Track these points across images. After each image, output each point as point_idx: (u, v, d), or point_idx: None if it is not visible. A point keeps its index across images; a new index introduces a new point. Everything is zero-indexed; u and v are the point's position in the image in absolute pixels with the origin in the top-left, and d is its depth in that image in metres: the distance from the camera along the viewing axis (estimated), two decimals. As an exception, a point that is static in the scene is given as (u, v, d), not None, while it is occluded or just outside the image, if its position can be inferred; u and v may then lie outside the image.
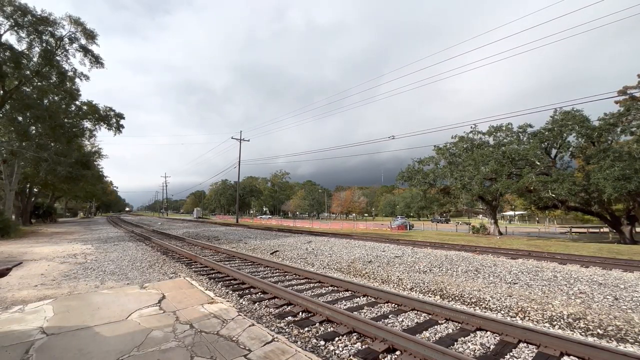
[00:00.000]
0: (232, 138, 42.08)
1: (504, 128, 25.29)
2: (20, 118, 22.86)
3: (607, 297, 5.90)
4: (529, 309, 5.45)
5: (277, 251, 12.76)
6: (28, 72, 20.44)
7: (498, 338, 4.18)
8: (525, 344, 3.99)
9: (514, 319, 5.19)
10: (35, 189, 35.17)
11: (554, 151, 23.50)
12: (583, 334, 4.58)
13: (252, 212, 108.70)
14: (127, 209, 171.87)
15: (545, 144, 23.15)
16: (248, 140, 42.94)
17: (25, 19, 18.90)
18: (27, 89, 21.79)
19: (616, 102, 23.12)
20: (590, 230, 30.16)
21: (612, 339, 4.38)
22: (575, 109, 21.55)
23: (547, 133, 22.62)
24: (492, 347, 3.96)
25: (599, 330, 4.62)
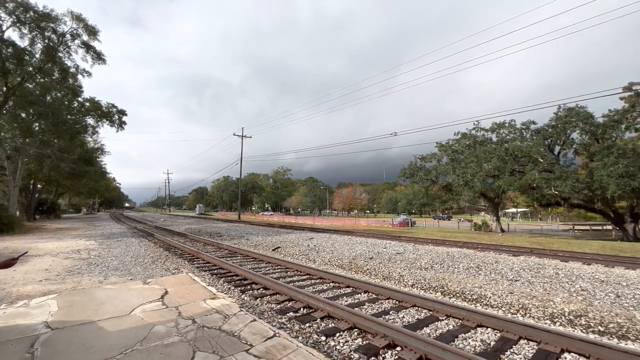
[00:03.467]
0: (234, 135, 42.12)
1: (507, 125, 25.17)
2: (23, 115, 22.96)
3: (609, 294, 5.89)
4: (530, 306, 5.45)
5: (279, 247, 12.81)
6: (31, 68, 20.47)
7: (499, 335, 4.19)
8: (525, 341, 4.00)
9: (515, 315, 5.19)
10: (39, 185, 35.41)
11: (557, 148, 23.35)
12: (584, 331, 4.57)
13: (254, 208, 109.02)
14: (126, 204, 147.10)
15: (549, 141, 23.00)
16: (250, 137, 42.97)
17: (28, 15, 18.90)
18: (30, 86, 21.84)
19: (621, 99, 22.87)
20: (593, 227, 30.02)
21: (614, 336, 4.37)
22: (579, 106, 21.37)
23: (550, 130, 22.46)
24: (492, 343, 3.97)
25: (600, 327, 4.62)
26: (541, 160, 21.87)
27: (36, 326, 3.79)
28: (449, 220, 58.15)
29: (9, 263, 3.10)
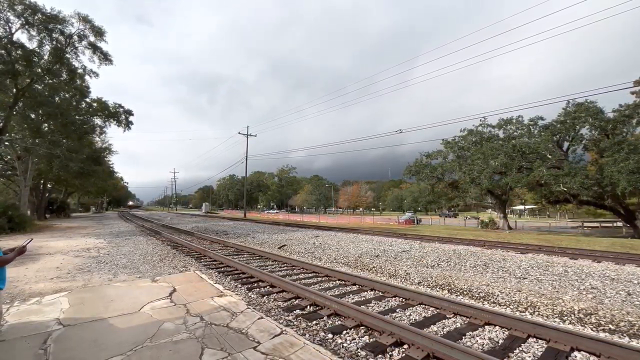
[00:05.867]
0: (239, 133, 42.27)
1: (514, 121, 24.82)
2: (33, 115, 23.35)
3: (620, 292, 5.80)
4: (539, 303, 5.39)
5: (284, 245, 12.86)
6: (39, 70, 20.79)
7: (507, 333, 4.16)
8: (534, 339, 3.96)
9: (524, 313, 5.15)
10: (48, 185, 36.07)
11: (566, 144, 22.95)
12: (594, 329, 4.52)
13: (259, 206, 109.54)
14: (130, 202, 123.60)
15: (557, 136, 22.62)
16: (255, 136, 43.08)
17: (36, 17, 19.15)
18: (39, 87, 22.18)
19: (632, 93, 22.38)
20: (603, 224, 29.46)
21: (625, 334, 4.31)
22: (588, 101, 20.98)
23: (559, 125, 22.07)
24: (500, 341, 3.94)
25: (610, 325, 4.56)
26: (549, 156, 21.52)
27: (49, 323, 3.87)
28: (455, 217, 57.67)
29: (22, 250, 3.25)
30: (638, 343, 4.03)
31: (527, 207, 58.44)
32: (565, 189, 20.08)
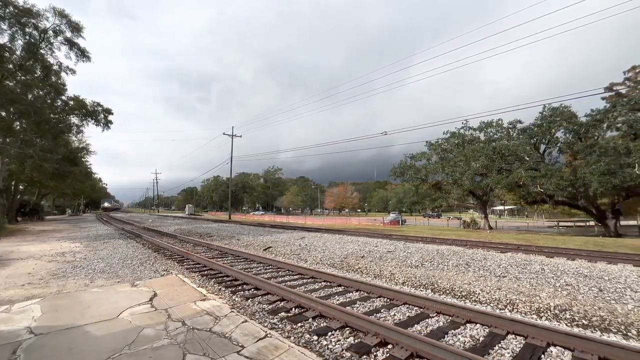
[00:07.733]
0: (224, 134, 41.65)
1: (494, 124, 25.65)
2: (3, 113, 22.15)
3: (592, 288, 6.07)
4: (518, 301, 5.57)
5: (270, 247, 12.74)
6: (11, 65, 19.77)
7: (487, 330, 4.27)
8: (513, 336, 4.09)
9: (503, 311, 5.30)
10: (20, 187, 34.26)
11: (542, 147, 23.93)
12: (569, 324, 4.71)
13: (245, 208, 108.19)
14: (106, 204, 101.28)
15: (534, 139, 23.56)
16: (240, 136, 42.59)
17: (7, 10, 18.22)
18: (10, 84, 21.08)
19: (603, 99, 23.62)
20: (577, 224, 30.83)
21: (597, 329, 4.52)
22: (563, 105, 21.95)
23: (536, 129, 23.00)
24: (481, 339, 4.04)
25: (584, 320, 4.76)
26: (527, 158, 22.38)
27: (19, 332, 3.67)
28: (439, 218, 58.94)
29: None
30: (609, 337, 4.23)
31: (507, 207, 60.42)
32: (542, 190, 20.91)
